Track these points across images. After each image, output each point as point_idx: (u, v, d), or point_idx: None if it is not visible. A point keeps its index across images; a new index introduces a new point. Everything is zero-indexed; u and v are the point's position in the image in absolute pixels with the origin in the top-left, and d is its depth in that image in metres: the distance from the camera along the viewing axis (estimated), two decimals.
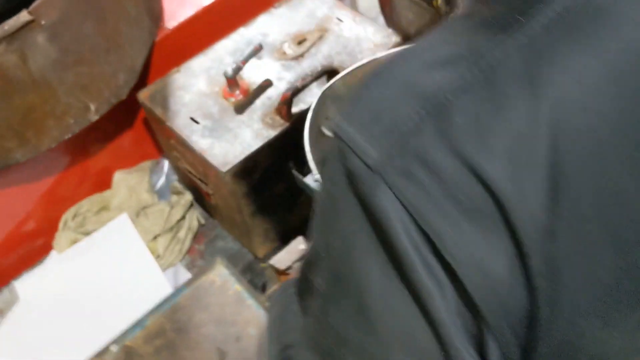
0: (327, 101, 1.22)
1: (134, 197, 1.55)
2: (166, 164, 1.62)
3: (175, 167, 1.56)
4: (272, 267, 1.25)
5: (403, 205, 0.39)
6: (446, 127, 0.40)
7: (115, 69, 1.31)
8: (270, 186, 1.37)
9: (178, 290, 1.25)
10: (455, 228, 0.39)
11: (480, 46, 0.41)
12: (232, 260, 1.48)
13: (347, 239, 0.44)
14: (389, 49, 1.40)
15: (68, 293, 1.44)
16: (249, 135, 1.29)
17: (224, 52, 1.46)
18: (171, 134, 1.37)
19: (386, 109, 0.42)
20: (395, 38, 1.42)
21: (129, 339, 1.21)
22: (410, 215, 0.39)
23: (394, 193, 0.40)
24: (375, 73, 0.45)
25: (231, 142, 1.29)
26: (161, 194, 1.59)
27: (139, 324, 1.22)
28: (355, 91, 0.46)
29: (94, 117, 1.32)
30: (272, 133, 1.29)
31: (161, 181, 1.61)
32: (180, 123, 1.34)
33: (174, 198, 1.55)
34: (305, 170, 1.20)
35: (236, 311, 1.21)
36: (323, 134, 1.11)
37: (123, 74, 1.34)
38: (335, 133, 0.43)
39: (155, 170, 1.62)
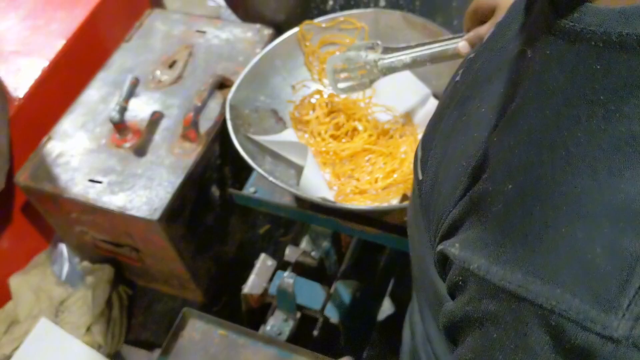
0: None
1: (44, 296, 1.33)
2: (64, 248, 1.41)
3: (80, 246, 1.36)
4: (247, 296, 1.13)
5: None
6: None
7: None
8: (202, 220, 1.24)
9: None
10: None
11: None
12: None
13: None
14: (266, 42, 1.34)
15: None
16: (165, 173, 1.16)
17: (92, 102, 1.31)
18: (72, 207, 1.19)
19: (609, 258, 0.32)
20: (267, 31, 1.36)
21: None
22: None
23: None
24: (547, 205, 0.35)
25: (148, 187, 1.15)
26: (72, 282, 1.38)
27: None
28: (539, 240, 0.35)
29: None
30: (188, 162, 1.17)
31: (65, 268, 1.40)
32: (80, 190, 1.16)
33: (90, 279, 1.36)
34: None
35: (232, 356, 1.07)
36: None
37: None
38: (535, 302, 0.34)
39: (53, 260, 1.41)
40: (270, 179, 0.96)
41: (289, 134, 1.16)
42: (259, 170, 0.99)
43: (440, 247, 0.42)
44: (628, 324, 0.31)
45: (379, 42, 1.00)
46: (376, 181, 1.08)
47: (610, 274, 0.32)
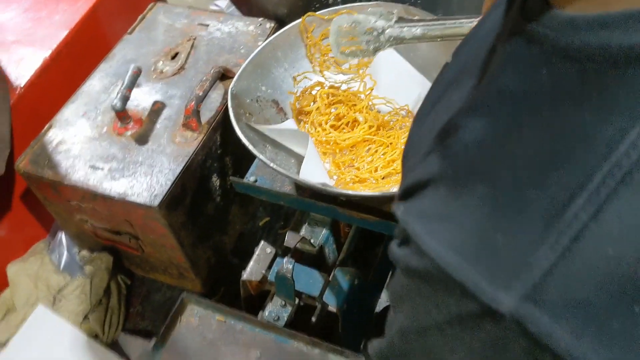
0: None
1: (42, 284, 1.34)
2: (63, 236, 1.41)
3: (79, 235, 1.37)
4: (246, 282, 1.14)
5: (548, 347, 0.35)
6: (592, 260, 0.34)
7: None
8: (202, 209, 1.25)
9: (155, 349, 1.09)
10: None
11: (604, 142, 0.34)
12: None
13: None
14: (267, 35, 1.36)
15: None
16: (165, 161, 1.17)
17: (93, 92, 1.31)
18: (73, 194, 1.20)
19: (509, 246, 0.36)
20: (269, 24, 1.38)
21: None
22: (558, 356, 0.35)
23: (534, 339, 0.35)
24: (475, 194, 0.39)
25: (149, 174, 1.15)
26: (70, 271, 1.38)
27: None
28: (462, 221, 0.39)
29: None
30: (189, 150, 1.18)
31: (64, 257, 1.40)
32: (80, 177, 1.17)
33: (88, 268, 1.36)
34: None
35: (230, 341, 1.08)
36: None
37: None
38: (446, 271, 0.38)
39: (52, 248, 1.41)
40: (272, 165, 0.97)
41: (289, 124, 1.17)
42: (260, 156, 0.99)
43: (393, 207, 0.47)
44: (513, 301, 0.35)
45: (395, 11, 0.99)
46: (376, 170, 1.09)
47: (508, 259, 0.36)
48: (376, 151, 1.13)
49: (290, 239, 1.05)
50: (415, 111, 1.18)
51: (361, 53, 1.01)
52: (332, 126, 1.18)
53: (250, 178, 1.14)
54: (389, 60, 1.23)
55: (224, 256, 1.38)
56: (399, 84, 1.23)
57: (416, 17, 0.98)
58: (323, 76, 1.25)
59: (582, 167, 0.34)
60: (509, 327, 0.35)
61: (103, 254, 1.34)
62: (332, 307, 1.07)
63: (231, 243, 1.40)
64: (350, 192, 0.97)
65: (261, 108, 1.18)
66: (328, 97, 1.22)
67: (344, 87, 1.24)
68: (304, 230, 1.13)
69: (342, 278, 1.09)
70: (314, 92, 1.23)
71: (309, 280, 1.10)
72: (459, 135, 0.42)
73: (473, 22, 0.86)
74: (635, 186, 0.33)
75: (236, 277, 1.37)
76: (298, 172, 1.06)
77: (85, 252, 1.39)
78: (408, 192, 0.45)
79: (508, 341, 0.36)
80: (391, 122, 1.18)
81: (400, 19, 0.97)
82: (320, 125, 1.18)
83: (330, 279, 1.09)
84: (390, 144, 1.11)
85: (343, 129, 1.18)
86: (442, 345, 0.41)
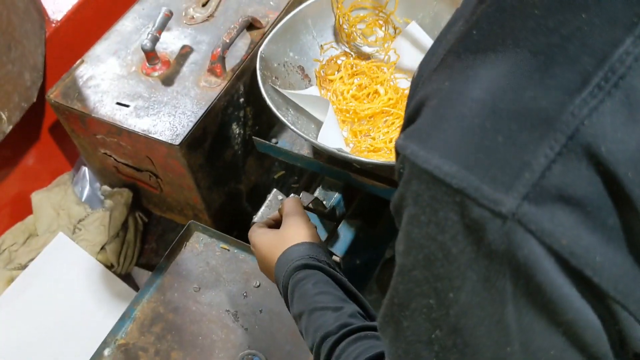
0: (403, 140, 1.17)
1: (64, 213, 1.40)
2: (86, 171, 1.47)
3: (101, 170, 1.42)
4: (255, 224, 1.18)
5: (552, 249, 0.37)
6: (588, 156, 0.36)
7: (20, 68, 1.16)
8: (221, 154, 1.29)
9: (158, 270, 1.14)
10: (611, 260, 0.37)
11: (598, 48, 0.36)
12: None
13: (479, 294, 0.40)
14: None
15: (26, 334, 1.26)
16: (189, 103, 1.21)
17: (125, 32, 1.35)
18: (99, 128, 1.25)
19: (507, 147, 0.37)
20: None
21: (121, 336, 1.09)
22: (562, 258, 0.37)
23: (538, 239, 0.36)
24: (471, 100, 0.40)
25: (172, 114, 1.20)
26: (91, 204, 1.44)
27: (126, 317, 1.10)
28: (455, 127, 0.40)
29: (8, 128, 1.17)
30: (212, 95, 1.22)
31: (86, 190, 1.46)
32: (107, 112, 1.22)
33: (108, 202, 1.42)
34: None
35: (231, 269, 1.13)
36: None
37: (29, 74, 1.19)
38: (444, 181, 0.38)
39: (75, 181, 1.47)
40: (292, 128, 1.01)
41: (313, 91, 1.21)
42: (282, 119, 1.03)
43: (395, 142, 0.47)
44: (515, 202, 0.36)
45: None
46: (390, 141, 1.13)
47: (508, 160, 0.37)
48: (392, 123, 1.16)
49: (304, 198, 1.09)
50: None
51: None
52: (353, 96, 1.21)
53: (272, 140, 1.19)
54: (414, 37, 1.26)
55: (238, 203, 1.43)
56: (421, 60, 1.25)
57: None
58: (349, 47, 1.28)
59: (579, 70, 0.36)
60: (511, 228, 0.36)
61: (123, 189, 1.39)
62: (336, 256, 1.11)
63: (246, 192, 1.44)
64: (363, 159, 1.00)
65: (287, 73, 1.22)
66: (352, 68, 1.26)
67: (368, 59, 1.27)
68: (318, 192, 1.17)
69: (348, 229, 1.13)
70: (339, 62, 1.27)
71: (316, 226, 1.14)
72: (459, 47, 0.43)
73: None
74: (628, 89, 0.36)
75: (248, 223, 1.42)
76: (317, 137, 1.11)
77: (106, 187, 1.44)
78: (409, 120, 0.45)
79: (512, 244, 0.36)
80: None
81: None
82: (342, 94, 1.21)
83: (335, 229, 1.13)
84: None
85: (364, 100, 1.21)
86: (447, 277, 0.40)
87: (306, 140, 1.02)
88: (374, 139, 1.15)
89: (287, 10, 1.34)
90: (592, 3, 0.37)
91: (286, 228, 0.88)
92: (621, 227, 0.37)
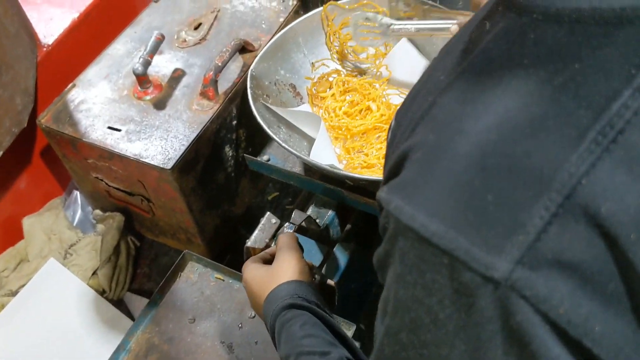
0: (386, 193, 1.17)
1: (55, 238, 1.38)
2: (78, 195, 1.46)
3: (93, 194, 1.41)
4: (249, 249, 1.17)
5: (548, 317, 0.34)
6: (586, 217, 0.33)
7: (11, 92, 1.15)
8: (213, 177, 1.28)
9: (153, 301, 1.13)
10: (612, 329, 0.34)
11: (594, 101, 0.34)
12: None
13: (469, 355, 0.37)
14: (290, 12, 1.38)
15: None
16: (181, 126, 1.20)
17: (117, 55, 1.35)
18: (90, 153, 1.24)
19: (499, 206, 0.35)
20: (292, 1, 1.40)
21: None
22: (559, 326, 0.34)
23: (533, 306, 0.34)
24: (459, 155, 0.37)
25: (164, 138, 1.19)
26: (83, 228, 1.43)
27: (120, 350, 1.08)
28: (442, 183, 0.38)
29: None
30: (205, 118, 1.21)
31: (78, 214, 1.45)
32: (99, 136, 1.21)
33: (100, 226, 1.40)
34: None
35: (226, 299, 1.12)
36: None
37: (20, 98, 1.18)
38: (431, 241, 0.36)
39: (67, 205, 1.46)
40: (284, 145, 1.00)
41: (304, 108, 1.21)
42: (274, 137, 1.03)
43: (377, 193, 0.45)
44: (508, 266, 0.34)
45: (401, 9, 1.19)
46: (384, 157, 1.12)
47: (499, 221, 0.35)
48: (385, 139, 1.15)
49: (297, 217, 1.08)
50: None
51: (375, 42, 1.21)
52: (345, 113, 1.21)
53: (263, 157, 1.18)
54: (406, 54, 1.27)
55: (231, 225, 1.42)
56: (413, 77, 1.26)
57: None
58: (341, 64, 1.28)
59: (575, 124, 0.34)
60: (504, 294, 0.34)
61: (115, 213, 1.38)
62: (330, 281, 1.10)
63: (239, 214, 1.43)
64: (356, 175, 0.99)
65: (278, 91, 1.21)
66: (344, 85, 1.26)
67: (359, 76, 1.27)
68: (311, 210, 1.16)
69: (342, 253, 1.12)
70: (330, 79, 1.27)
71: (310, 251, 1.13)
72: (443, 99, 0.42)
73: (459, 20, 1.05)
74: (627, 145, 0.33)
75: (242, 247, 1.41)
76: (309, 154, 1.10)
77: (98, 211, 1.43)
78: (391, 172, 0.43)
79: (505, 311, 0.34)
80: None
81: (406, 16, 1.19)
82: (334, 111, 1.21)
83: (330, 253, 1.12)
84: None
85: (356, 116, 1.21)
86: (435, 344, 0.38)
87: (298, 157, 1.02)
88: (367, 155, 1.15)
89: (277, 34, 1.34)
90: (586, 53, 0.35)
91: (277, 263, 0.87)
92: (623, 293, 0.34)
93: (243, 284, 0.90)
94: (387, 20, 1.18)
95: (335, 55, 1.29)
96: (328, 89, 1.27)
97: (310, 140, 1.15)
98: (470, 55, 0.42)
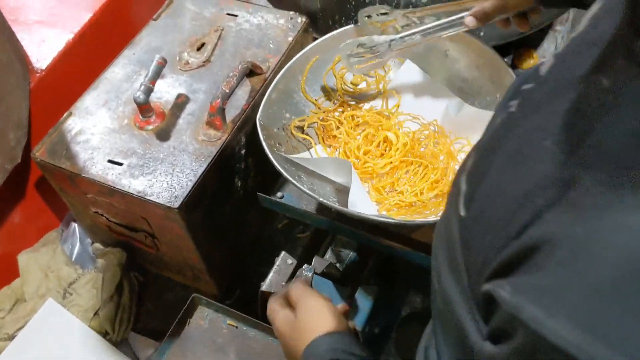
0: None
1: (53, 275, 1.30)
2: (76, 227, 1.37)
3: (92, 227, 1.32)
4: (264, 293, 1.09)
5: None
6: None
7: (3, 127, 1.07)
8: (221, 209, 1.20)
9: (159, 352, 1.05)
10: None
11: None
12: None
13: None
14: (299, 30, 1.29)
15: None
16: (187, 160, 1.12)
17: (116, 80, 1.26)
18: (89, 188, 1.15)
19: None
20: (301, 19, 1.31)
21: None
22: None
23: None
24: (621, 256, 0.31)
25: (170, 173, 1.10)
26: (82, 263, 1.34)
27: None
28: (601, 294, 0.31)
29: None
30: (212, 150, 1.13)
31: (77, 248, 1.36)
32: (98, 171, 1.12)
33: (101, 262, 1.32)
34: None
35: (242, 349, 1.04)
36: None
37: (13, 132, 1.10)
38: None
39: (64, 238, 1.37)
40: (321, 200, 0.92)
41: (320, 151, 1.14)
42: (306, 190, 0.94)
43: (486, 286, 0.38)
44: None
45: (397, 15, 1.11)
46: (422, 192, 1.04)
47: None
48: (416, 172, 1.07)
49: (317, 264, 1.01)
50: (445, 125, 1.13)
51: (375, 66, 1.12)
52: (365, 152, 1.13)
53: (277, 195, 1.10)
54: (409, 76, 1.20)
55: (240, 258, 1.33)
56: (422, 99, 1.19)
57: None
58: (343, 99, 1.21)
59: None
60: None
61: (116, 249, 1.29)
62: (355, 327, 1.02)
63: (248, 244, 1.35)
64: (408, 221, 0.90)
65: (288, 136, 1.14)
66: (353, 119, 1.18)
67: (366, 106, 1.19)
68: (330, 253, 1.08)
69: (365, 297, 1.04)
70: (336, 114, 1.19)
71: (331, 294, 1.05)
72: (582, 180, 0.35)
73: (464, 15, 0.97)
74: None
75: (252, 279, 1.33)
76: (336, 199, 1.03)
77: (98, 245, 1.34)
78: (511, 265, 0.36)
79: None
80: (422, 139, 1.13)
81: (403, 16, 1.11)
82: (352, 153, 1.13)
83: (353, 297, 1.04)
84: (430, 163, 1.06)
85: (375, 151, 1.13)
86: None
87: (335, 209, 0.93)
88: (401, 193, 1.06)
89: (288, 55, 1.25)
90: None
91: (303, 315, 0.79)
92: None
93: (275, 332, 0.81)
94: (384, 37, 1.08)
95: (333, 94, 1.22)
96: (337, 126, 1.18)
97: (333, 183, 1.08)
98: (594, 122, 0.35)
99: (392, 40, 1.07)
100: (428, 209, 1.00)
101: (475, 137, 1.01)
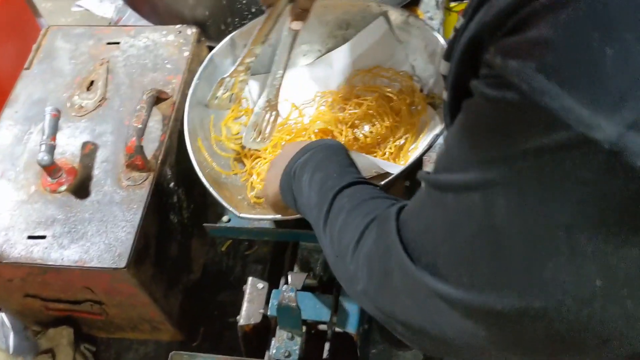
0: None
1: None
2: (4, 317, 1.22)
3: (24, 311, 1.17)
4: (244, 327, 1.01)
5: None
6: None
7: None
8: (167, 253, 1.11)
9: None
10: None
11: None
12: None
13: None
14: (192, 42, 1.20)
15: None
16: (118, 211, 1.01)
17: (5, 145, 1.12)
18: (14, 273, 1.02)
19: (619, 62, 0.31)
20: (191, 30, 1.22)
21: None
22: None
23: None
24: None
25: (103, 231, 0.99)
26: (23, 353, 1.19)
27: None
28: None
29: None
30: (143, 193, 1.02)
31: (11, 339, 1.21)
32: (20, 252, 0.99)
33: (44, 343, 1.18)
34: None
35: None
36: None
37: None
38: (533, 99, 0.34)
39: None
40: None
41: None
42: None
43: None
44: (618, 130, 0.31)
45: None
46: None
47: (615, 76, 0.31)
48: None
49: (296, 281, 0.94)
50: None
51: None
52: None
53: (222, 219, 1.02)
54: (299, 77, 1.21)
55: (195, 295, 1.24)
56: (329, 73, 1.21)
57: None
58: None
59: None
60: (604, 160, 0.32)
61: (62, 328, 1.16)
62: (349, 331, 0.97)
63: (197, 279, 1.26)
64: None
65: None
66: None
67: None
68: (297, 265, 1.02)
69: (349, 301, 0.99)
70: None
71: (315, 306, 0.99)
72: None
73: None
74: None
75: (212, 312, 1.25)
76: None
77: (35, 328, 1.20)
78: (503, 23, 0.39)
79: (599, 178, 0.32)
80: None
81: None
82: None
83: (337, 301, 0.99)
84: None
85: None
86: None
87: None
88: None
89: (188, 70, 1.16)
90: None
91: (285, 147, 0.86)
92: None
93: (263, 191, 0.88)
94: (259, 103, 1.11)
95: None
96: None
97: None
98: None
99: (267, 99, 1.10)
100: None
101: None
